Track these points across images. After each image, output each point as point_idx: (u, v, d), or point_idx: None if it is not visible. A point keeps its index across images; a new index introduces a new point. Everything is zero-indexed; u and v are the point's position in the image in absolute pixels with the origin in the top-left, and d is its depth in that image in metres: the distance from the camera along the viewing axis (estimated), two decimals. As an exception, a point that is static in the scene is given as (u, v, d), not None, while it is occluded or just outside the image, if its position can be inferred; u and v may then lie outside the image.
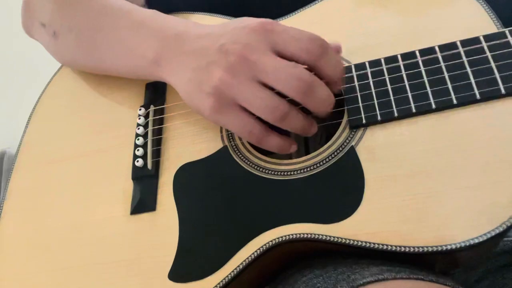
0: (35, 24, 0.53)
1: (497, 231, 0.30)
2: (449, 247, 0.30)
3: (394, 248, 0.31)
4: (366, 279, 0.30)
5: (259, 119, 0.36)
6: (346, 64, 0.40)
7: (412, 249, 0.31)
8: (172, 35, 0.40)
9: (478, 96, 0.34)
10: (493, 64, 0.34)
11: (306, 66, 0.35)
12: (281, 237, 0.35)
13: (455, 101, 0.34)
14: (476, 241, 0.30)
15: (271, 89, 0.35)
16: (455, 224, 0.31)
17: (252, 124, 0.36)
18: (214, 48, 0.36)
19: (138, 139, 0.44)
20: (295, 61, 0.35)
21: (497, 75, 0.34)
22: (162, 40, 0.41)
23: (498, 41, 0.35)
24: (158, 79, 0.43)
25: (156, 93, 0.47)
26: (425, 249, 0.31)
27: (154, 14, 0.44)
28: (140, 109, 0.46)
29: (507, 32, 0.35)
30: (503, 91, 0.33)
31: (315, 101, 0.35)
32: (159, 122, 0.45)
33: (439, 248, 0.31)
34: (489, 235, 0.30)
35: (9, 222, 0.46)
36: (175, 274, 0.37)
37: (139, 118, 0.45)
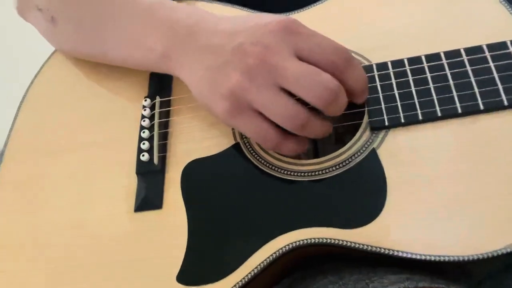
0: (31, 7, 0.49)
1: (518, 245, 0.29)
2: (473, 257, 0.30)
3: (418, 256, 0.31)
4: None
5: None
6: (367, 63, 0.39)
7: (435, 258, 0.30)
8: (183, 27, 0.38)
9: (505, 103, 0.33)
10: (521, 70, 0.34)
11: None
12: (299, 241, 0.33)
13: (481, 107, 0.34)
14: (494, 254, 0.29)
15: (290, 94, 0.33)
16: (483, 232, 0.30)
17: (268, 130, 0.34)
18: (231, 46, 0.34)
19: (143, 132, 0.41)
20: (319, 68, 0.33)
21: (525, 81, 0.33)
22: (172, 32, 0.38)
23: (525, 47, 0.35)
24: (167, 73, 0.40)
25: (161, 84, 0.45)
26: (451, 258, 0.30)
27: (162, 2, 0.41)
28: (145, 100, 0.43)
29: (534, 37, 0.35)
30: (531, 98, 0.33)
31: (335, 108, 0.33)
32: (166, 114, 0.43)
33: (464, 258, 0.30)
34: (508, 250, 0.29)
35: (2, 215, 0.43)
36: (184, 277, 0.35)
37: (144, 110, 0.43)
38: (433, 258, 0.30)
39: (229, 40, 0.34)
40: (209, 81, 0.35)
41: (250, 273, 0.34)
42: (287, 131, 0.35)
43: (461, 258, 0.30)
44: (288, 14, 0.44)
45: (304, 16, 0.43)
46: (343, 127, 0.40)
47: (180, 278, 0.35)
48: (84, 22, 0.44)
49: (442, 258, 0.30)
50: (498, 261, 0.44)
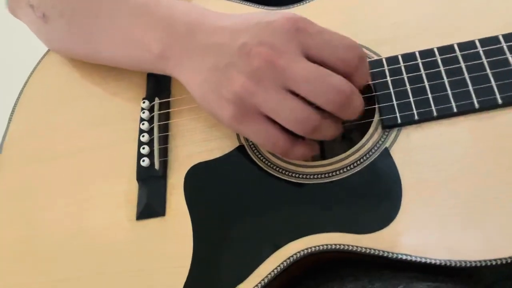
0: (22, 4, 0.47)
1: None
2: (493, 262, 0.28)
3: (438, 262, 0.29)
4: None
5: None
6: (376, 58, 0.37)
7: (458, 264, 0.29)
8: (182, 25, 0.35)
9: (525, 96, 0.31)
10: (541, 61, 0.32)
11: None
12: (310, 248, 0.32)
13: (500, 101, 0.32)
14: None
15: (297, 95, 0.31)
16: (503, 236, 0.29)
17: (278, 136, 0.32)
18: (234, 47, 0.32)
19: (143, 136, 0.40)
20: (329, 67, 0.31)
21: (545, 73, 0.32)
22: (170, 31, 0.36)
23: (544, 36, 0.33)
24: (165, 74, 0.38)
25: (160, 84, 0.43)
26: (468, 263, 0.28)
27: None
28: (143, 102, 0.41)
29: (553, 26, 0.33)
30: (552, 91, 0.31)
31: (349, 111, 0.31)
32: (165, 117, 0.41)
33: (482, 263, 0.28)
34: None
35: (-4, 227, 0.41)
36: (191, 287, 0.33)
37: (143, 112, 0.41)
38: (453, 264, 0.29)
39: (232, 40, 0.32)
40: (212, 84, 0.33)
41: (260, 282, 0.32)
42: (296, 134, 0.33)
43: (483, 263, 0.28)
44: (291, 7, 0.42)
45: (308, 9, 0.41)
46: (351, 126, 0.38)
47: (187, 289, 0.33)
48: (77, 19, 0.42)
49: (463, 264, 0.29)
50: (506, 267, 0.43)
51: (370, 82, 0.35)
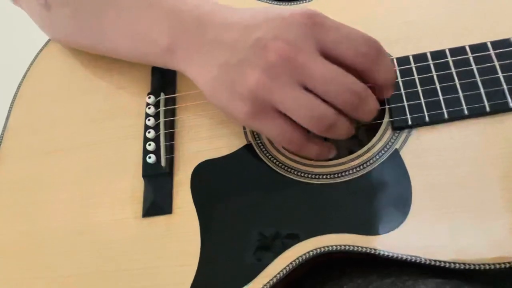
0: None
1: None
2: (505, 265, 0.28)
3: (447, 264, 0.29)
4: None
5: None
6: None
7: (467, 266, 0.29)
8: (191, 18, 0.34)
9: (537, 100, 0.32)
10: (553, 65, 0.32)
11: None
12: (319, 248, 0.32)
13: (511, 105, 0.32)
14: None
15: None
16: (510, 240, 0.29)
17: (292, 132, 0.32)
18: (248, 42, 0.31)
19: (148, 132, 0.39)
20: (345, 64, 0.30)
21: (557, 77, 0.32)
22: (178, 24, 0.35)
23: (557, 40, 0.33)
24: (172, 68, 0.37)
25: (165, 79, 0.42)
26: (482, 266, 0.29)
27: None
28: (149, 97, 0.41)
29: None
30: None
31: (363, 112, 0.31)
32: (171, 113, 0.40)
33: (495, 266, 0.29)
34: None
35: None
36: (199, 286, 0.33)
37: (149, 108, 0.40)
38: (462, 267, 0.29)
39: (245, 35, 0.31)
40: (225, 81, 0.32)
41: (268, 282, 0.32)
42: (310, 132, 0.33)
43: (492, 266, 0.29)
44: (301, 2, 0.42)
45: (319, 5, 0.41)
46: (360, 126, 0.38)
47: (195, 287, 0.33)
48: (82, 8, 0.41)
49: (473, 267, 0.29)
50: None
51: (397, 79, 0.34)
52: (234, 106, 0.32)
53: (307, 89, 0.30)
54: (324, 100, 0.31)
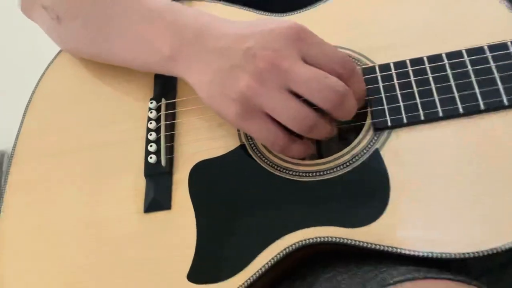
0: (36, 6, 0.49)
1: (524, 240, 0.30)
2: (475, 254, 0.31)
3: (421, 254, 0.32)
4: (396, 278, 0.30)
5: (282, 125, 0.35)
6: (370, 64, 0.39)
7: (439, 255, 0.31)
8: (191, 30, 0.38)
9: (506, 102, 0.34)
10: (521, 70, 0.34)
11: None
12: (304, 240, 0.34)
13: (482, 107, 0.34)
14: (503, 248, 0.30)
15: (298, 97, 0.34)
16: (482, 230, 0.31)
17: (277, 134, 0.35)
18: (239, 50, 0.35)
19: (150, 134, 0.42)
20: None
21: (525, 81, 0.34)
22: (180, 34, 0.39)
23: (526, 47, 0.35)
24: (174, 75, 0.41)
25: (166, 85, 0.45)
26: (450, 255, 0.31)
27: (170, 4, 0.41)
28: (151, 102, 0.44)
29: (535, 37, 0.35)
30: (531, 98, 0.34)
31: (343, 111, 0.34)
32: (172, 116, 0.44)
33: (465, 255, 0.31)
34: (515, 244, 0.30)
35: (11, 217, 0.44)
36: (194, 275, 0.36)
37: (151, 112, 0.44)
38: (435, 255, 0.31)
39: (238, 44, 0.35)
40: (218, 85, 0.36)
41: (258, 271, 0.35)
42: (294, 134, 0.35)
43: (462, 256, 0.31)
44: (290, 14, 0.45)
45: (307, 17, 0.44)
46: (348, 128, 0.41)
47: (191, 276, 0.36)
48: (90, 21, 0.44)
49: (444, 255, 0.31)
50: (495, 259, 0.45)
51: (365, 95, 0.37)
52: (226, 107, 0.35)
53: (293, 93, 0.33)
54: (308, 104, 0.34)
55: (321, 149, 0.44)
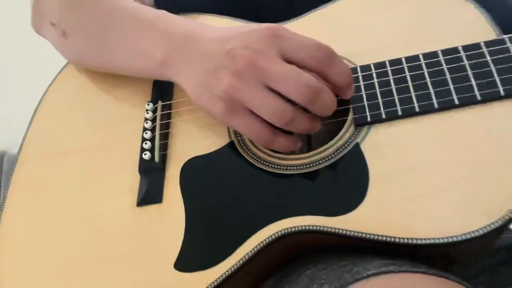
0: (44, 23, 0.54)
1: (495, 225, 0.31)
2: (448, 240, 0.32)
3: (396, 240, 0.33)
4: (369, 272, 0.31)
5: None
6: (352, 66, 0.41)
7: (413, 241, 0.32)
8: (180, 37, 0.41)
9: (478, 97, 0.36)
10: (493, 68, 0.36)
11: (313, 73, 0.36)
12: (287, 228, 0.36)
13: (456, 102, 0.36)
14: (476, 234, 0.31)
15: (279, 93, 0.36)
16: (454, 217, 0.32)
17: (260, 128, 0.37)
18: (222, 52, 0.37)
19: (146, 133, 0.45)
20: (304, 67, 0.36)
21: (496, 78, 0.36)
22: (170, 41, 0.42)
23: (498, 47, 0.37)
24: (167, 79, 0.44)
25: (163, 89, 0.48)
26: (426, 241, 0.32)
27: (162, 15, 0.45)
28: (148, 104, 0.47)
29: (506, 38, 0.37)
30: (502, 93, 0.35)
31: (320, 106, 0.36)
32: (167, 117, 0.46)
33: (439, 241, 0.32)
34: (488, 229, 0.31)
35: (14, 213, 0.46)
36: (181, 264, 0.37)
37: (147, 113, 0.46)
38: (410, 241, 0.32)
39: (221, 47, 0.38)
40: (205, 85, 0.38)
41: (241, 259, 0.36)
42: (279, 129, 0.37)
43: (436, 241, 0.32)
44: (279, 24, 0.48)
45: (295, 26, 0.47)
46: (336, 125, 0.42)
47: (178, 265, 0.37)
48: (92, 34, 0.48)
49: (419, 241, 0.32)
50: (493, 257, 0.46)
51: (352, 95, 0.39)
52: (213, 106, 0.38)
53: (272, 89, 0.36)
54: (287, 100, 0.36)
55: (312, 145, 0.46)
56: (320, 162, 0.38)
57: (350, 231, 0.34)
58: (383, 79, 0.39)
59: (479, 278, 0.45)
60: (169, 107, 0.47)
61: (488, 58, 0.37)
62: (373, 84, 0.39)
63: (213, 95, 0.38)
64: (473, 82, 0.36)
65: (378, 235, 0.33)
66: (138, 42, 0.44)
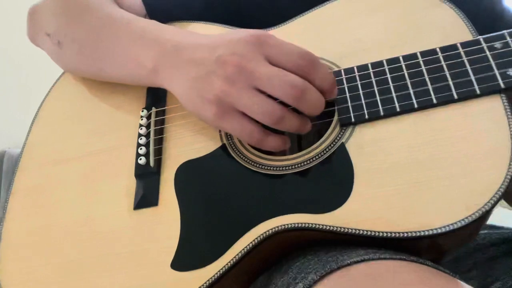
0: (40, 34, 0.55)
1: (474, 217, 0.33)
2: (430, 232, 0.33)
3: (380, 234, 0.34)
4: (352, 259, 0.33)
5: (258, 122, 0.39)
6: (336, 69, 0.43)
7: (396, 235, 0.34)
8: (170, 45, 0.43)
9: (455, 96, 0.37)
10: (468, 68, 0.38)
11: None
12: (277, 227, 0.37)
13: (435, 101, 0.38)
14: (455, 226, 0.33)
15: (268, 95, 0.38)
16: (435, 211, 0.34)
17: (251, 128, 0.39)
18: (212, 58, 0.39)
19: (141, 139, 0.46)
20: (289, 72, 0.37)
21: (472, 77, 0.37)
22: (160, 50, 0.44)
23: (473, 47, 0.39)
24: (158, 86, 0.45)
25: (157, 96, 0.50)
26: (407, 234, 0.34)
27: (152, 24, 0.47)
28: (142, 111, 0.49)
29: (481, 39, 0.39)
30: (478, 91, 0.37)
31: (307, 104, 0.38)
32: (161, 122, 0.48)
33: (420, 233, 0.33)
34: (466, 221, 0.33)
35: (15, 219, 0.48)
36: (177, 263, 0.39)
37: (142, 119, 0.48)
38: (393, 235, 0.34)
39: (210, 53, 0.39)
40: (196, 90, 0.40)
41: (235, 257, 0.38)
42: (269, 129, 0.39)
43: (418, 234, 0.33)
44: (266, 30, 0.49)
45: (282, 31, 0.48)
46: (325, 126, 0.44)
47: (174, 265, 0.39)
48: (85, 44, 0.50)
49: (402, 235, 0.34)
50: (484, 253, 0.47)
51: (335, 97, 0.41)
52: (204, 110, 0.40)
53: (260, 91, 0.37)
54: (280, 103, 0.37)
55: (302, 147, 0.47)
56: (308, 162, 0.40)
57: (337, 227, 0.36)
58: (366, 81, 0.41)
59: (470, 273, 0.47)
60: (162, 113, 0.48)
61: (464, 58, 0.38)
62: (356, 86, 0.41)
63: (205, 100, 0.39)
64: (450, 82, 0.38)
65: (363, 230, 0.35)
66: (129, 50, 0.46)
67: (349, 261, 0.32)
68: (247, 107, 0.38)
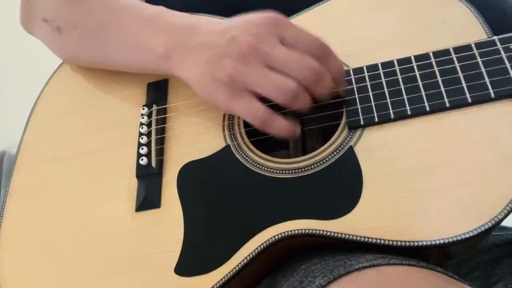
0: (36, 20, 0.53)
1: (486, 227, 0.32)
2: (441, 241, 0.33)
3: (390, 242, 0.33)
4: (361, 264, 0.32)
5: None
6: (345, 68, 0.42)
7: (407, 243, 0.33)
8: (182, 30, 0.42)
9: (469, 100, 0.36)
10: (483, 70, 0.37)
11: None
12: (283, 233, 0.36)
13: (448, 104, 0.36)
14: (467, 236, 0.32)
15: None
16: (447, 219, 0.33)
17: (257, 107, 0.38)
18: (225, 40, 0.38)
19: (142, 138, 0.45)
20: None
21: (487, 80, 0.36)
22: (172, 35, 0.42)
23: (488, 48, 0.37)
24: (168, 73, 0.44)
25: (157, 93, 0.48)
26: (419, 243, 0.33)
27: (161, 10, 0.45)
28: (143, 109, 0.47)
29: (496, 39, 0.38)
30: (492, 95, 0.36)
31: (320, 88, 0.37)
32: (162, 121, 0.46)
33: (432, 243, 0.33)
34: (478, 230, 0.32)
35: (13, 220, 0.47)
36: (181, 269, 0.38)
37: (142, 117, 0.46)
38: (402, 244, 0.33)
39: (223, 36, 0.39)
40: (208, 73, 0.39)
41: (240, 263, 0.37)
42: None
43: (429, 243, 0.33)
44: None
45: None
46: (331, 129, 0.43)
47: (178, 269, 0.38)
48: (89, 30, 0.48)
49: (412, 244, 0.33)
50: (486, 254, 0.47)
51: (343, 89, 0.39)
52: (217, 92, 0.39)
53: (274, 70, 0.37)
54: None
55: (307, 149, 0.46)
56: (315, 165, 0.39)
57: (345, 234, 0.35)
58: (376, 81, 0.39)
59: (473, 274, 0.47)
60: (164, 111, 0.47)
61: (479, 59, 0.37)
62: (366, 87, 0.40)
63: (217, 81, 0.39)
64: (464, 85, 0.37)
65: (372, 238, 0.34)
66: (138, 37, 0.44)
67: (357, 266, 0.32)
68: (259, 84, 0.37)
